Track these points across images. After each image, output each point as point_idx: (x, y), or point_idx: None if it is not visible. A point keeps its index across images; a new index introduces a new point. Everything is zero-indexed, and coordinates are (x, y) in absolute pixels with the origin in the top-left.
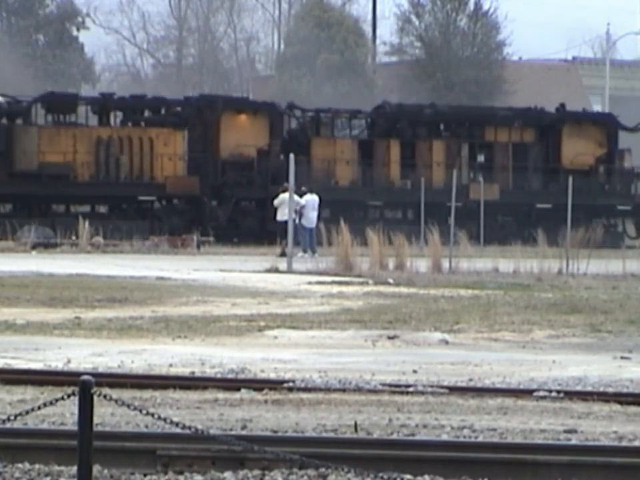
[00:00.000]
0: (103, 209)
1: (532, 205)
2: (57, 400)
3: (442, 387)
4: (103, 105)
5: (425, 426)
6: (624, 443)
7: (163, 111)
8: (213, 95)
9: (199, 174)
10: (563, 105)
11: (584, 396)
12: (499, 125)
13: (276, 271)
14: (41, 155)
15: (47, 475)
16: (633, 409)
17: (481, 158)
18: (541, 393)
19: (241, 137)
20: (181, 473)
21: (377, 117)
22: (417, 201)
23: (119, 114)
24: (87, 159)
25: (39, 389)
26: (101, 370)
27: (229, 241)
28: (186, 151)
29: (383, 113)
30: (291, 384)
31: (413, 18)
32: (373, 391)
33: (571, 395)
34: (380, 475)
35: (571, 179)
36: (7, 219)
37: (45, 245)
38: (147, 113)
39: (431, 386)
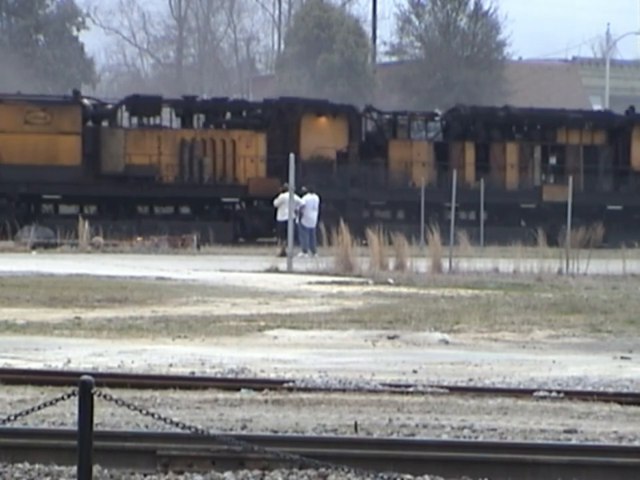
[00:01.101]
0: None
1: (603, 206)
2: (57, 400)
3: (442, 387)
4: (186, 107)
5: (425, 426)
6: (624, 443)
7: (244, 114)
8: (294, 98)
9: (280, 176)
10: (632, 108)
11: (584, 396)
12: (570, 127)
13: (276, 271)
14: (127, 157)
15: (47, 475)
16: (633, 408)
17: (552, 160)
18: (541, 393)
19: (321, 139)
20: (181, 472)
21: (452, 120)
22: (491, 203)
23: (201, 116)
24: (171, 160)
25: (39, 388)
26: (100, 370)
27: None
28: (266, 153)
29: (458, 115)
30: (291, 384)
31: (413, 18)
32: (373, 391)
33: (571, 394)
34: (380, 474)
35: None
36: (93, 221)
37: (44, 245)
38: (228, 115)
39: (431, 386)
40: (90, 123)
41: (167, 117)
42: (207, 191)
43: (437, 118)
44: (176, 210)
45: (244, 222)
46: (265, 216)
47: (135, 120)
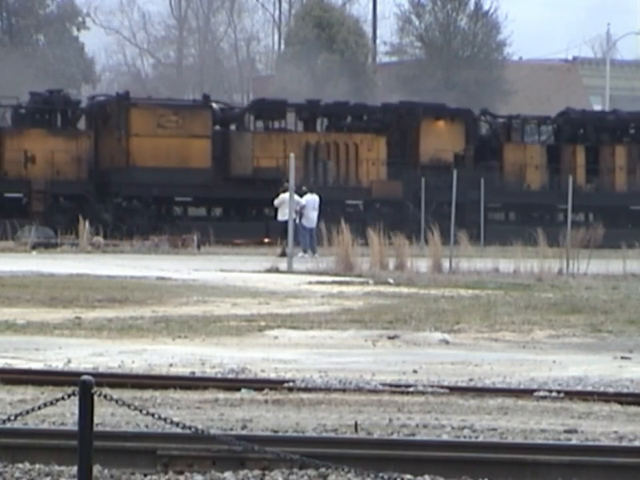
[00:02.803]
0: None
1: None
2: (57, 400)
3: (442, 387)
4: (310, 111)
5: (425, 426)
6: (624, 443)
7: (364, 117)
8: (413, 102)
9: (400, 178)
10: None
11: (584, 396)
12: None
13: (276, 271)
14: (255, 160)
15: (47, 474)
16: (633, 408)
17: None
18: (541, 393)
19: (439, 142)
20: (181, 472)
21: (563, 123)
22: (602, 205)
23: (324, 120)
24: (296, 163)
25: (39, 388)
26: (101, 370)
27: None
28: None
29: (568, 119)
30: (291, 384)
31: (413, 18)
32: (373, 391)
33: (571, 394)
34: (380, 474)
35: None
36: (220, 223)
37: (45, 245)
38: (348, 119)
39: (431, 386)
40: (217, 127)
41: (290, 120)
42: (331, 193)
43: (548, 121)
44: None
45: (366, 224)
46: (388, 218)
47: (260, 123)
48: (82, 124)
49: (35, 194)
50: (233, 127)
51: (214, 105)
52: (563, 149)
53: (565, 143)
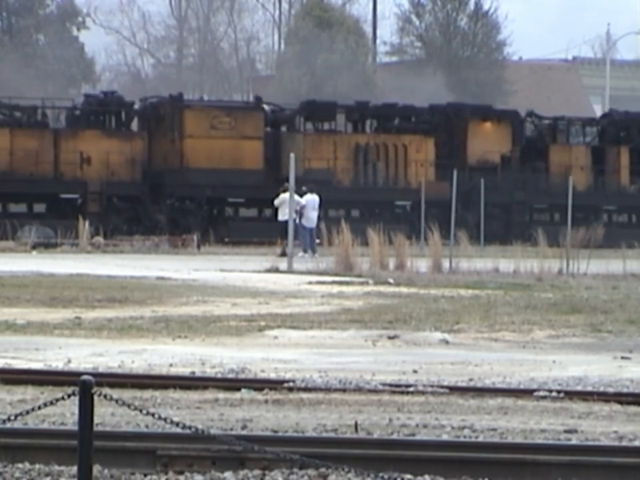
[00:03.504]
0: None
1: None
2: (57, 400)
3: (442, 387)
4: (360, 112)
5: (425, 426)
6: (624, 443)
7: (412, 119)
8: (460, 103)
9: (448, 179)
10: None
11: (584, 396)
12: None
13: (276, 270)
14: (307, 162)
15: (47, 475)
16: (633, 408)
17: None
18: (541, 393)
19: (487, 143)
20: (181, 472)
21: (607, 125)
22: None
23: (373, 121)
24: (346, 165)
25: (39, 388)
26: (101, 370)
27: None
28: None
29: (612, 120)
30: (291, 384)
31: (413, 18)
32: (373, 391)
33: (571, 394)
34: (380, 474)
35: None
36: (269, 223)
37: (45, 245)
38: (397, 121)
39: (431, 386)
40: (268, 128)
41: (340, 122)
42: (381, 194)
43: (593, 122)
44: (347, 213)
45: (413, 224)
46: (436, 218)
47: (309, 125)
48: (134, 125)
49: (90, 195)
50: (283, 129)
51: (265, 106)
52: (607, 150)
53: (609, 144)
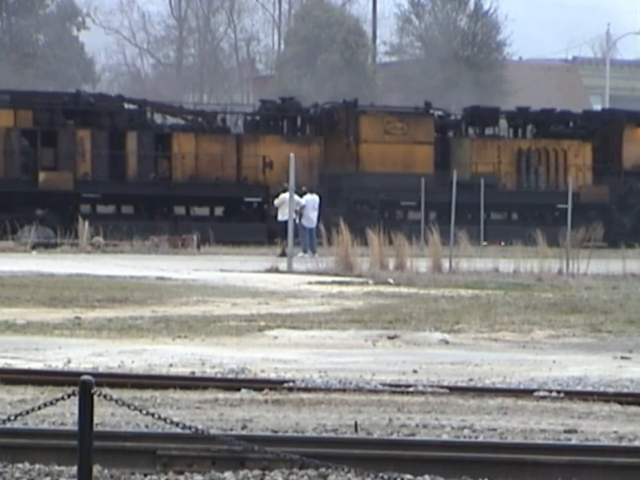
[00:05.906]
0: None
1: None
2: (57, 400)
3: (442, 387)
4: (521, 118)
5: (425, 426)
6: (624, 443)
7: (570, 124)
8: (616, 109)
9: (605, 183)
10: None
11: (584, 396)
12: None
13: (276, 271)
14: (474, 166)
15: (47, 474)
16: (633, 408)
17: None
18: (541, 393)
19: None
20: (181, 472)
21: None
22: None
23: (532, 127)
24: (509, 169)
25: (39, 388)
26: (101, 370)
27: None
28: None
29: None
30: (291, 384)
31: (413, 18)
32: (373, 391)
33: (571, 394)
34: (380, 474)
35: None
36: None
37: (45, 245)
38: (556, 126)
39: (431, 386)
40: (436, 134)
41: (502, 127)
42: (543, 198)
43: None
44: (509, 216)
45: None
46: (593, 222)
47: (471, 130)
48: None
49: (272, 198)
50: (450, 134)
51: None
52: None
53: None
